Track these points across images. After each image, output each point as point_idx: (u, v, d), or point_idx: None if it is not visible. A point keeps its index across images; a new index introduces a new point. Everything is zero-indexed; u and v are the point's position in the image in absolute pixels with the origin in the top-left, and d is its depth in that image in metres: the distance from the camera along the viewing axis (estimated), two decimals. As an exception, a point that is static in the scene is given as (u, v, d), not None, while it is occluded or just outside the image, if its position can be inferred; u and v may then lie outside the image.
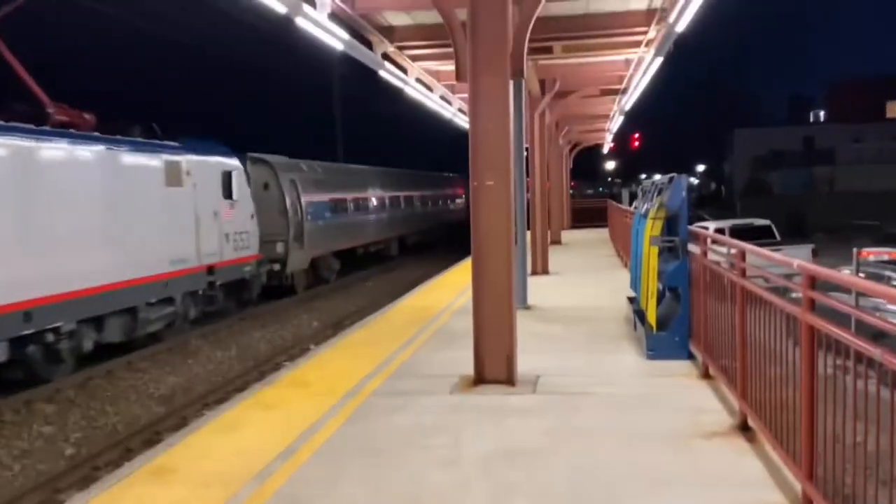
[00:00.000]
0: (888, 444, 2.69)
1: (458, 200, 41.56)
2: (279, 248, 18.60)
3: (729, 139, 56.17)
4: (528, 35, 6.14)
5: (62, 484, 7.75)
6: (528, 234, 13.35)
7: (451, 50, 6.62)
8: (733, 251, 5.12)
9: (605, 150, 36.04)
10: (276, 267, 18.62)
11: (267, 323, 16.45)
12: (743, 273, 4.78)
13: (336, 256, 22.65)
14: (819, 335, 3.35)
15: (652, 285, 7.06)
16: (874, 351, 2.73)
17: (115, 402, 10.68)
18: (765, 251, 4.54)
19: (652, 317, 7.06)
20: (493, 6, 5.89)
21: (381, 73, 9.77)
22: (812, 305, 3.43)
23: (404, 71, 11.05)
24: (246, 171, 16.79)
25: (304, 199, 19.84)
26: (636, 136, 39.55)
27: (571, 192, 41.85)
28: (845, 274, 3.31)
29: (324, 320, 17.16)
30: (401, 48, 9.96)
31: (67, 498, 6.46)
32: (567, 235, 24.75)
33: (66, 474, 8.00)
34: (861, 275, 11.20)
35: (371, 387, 6.38)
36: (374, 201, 26.77)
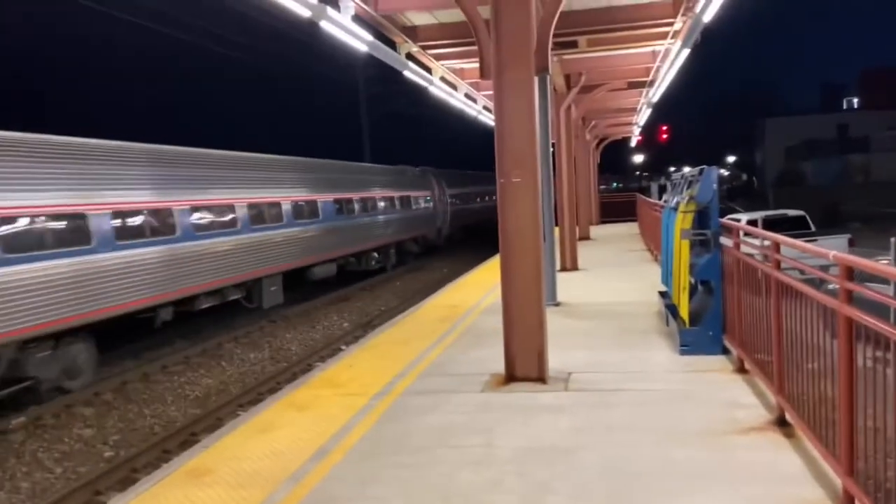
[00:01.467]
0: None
1: (417, 206, 28.00)
2: None
3: (760, 129, 55.19)
4: (552, 30, 6.09)
5: (102, 486, 7.92)
6: (557, 230, 13.28)
7: (474, 48, 6.60)
8: (767, 243, 5.02)
9: (633, 143, 35.64)
10: None
11: (297, 324, 16.61)
12: (777, 265, 4.69)
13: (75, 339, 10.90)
14: (857, 327, 3.27)
15: (684, 279, 6.97)
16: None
17: (152, 404, 10.89)
18: (799, 242, 4.45)
19: (684, 311, 6.97)
20: (516, 2, 5.86)
21: (406, 73, 9.80)
22: (849, 297, 3.35)
23: (428, 70, 11.06)
24: None
25: None
26: (664, 128, 39.08)
27: (616, 185, 41.19)
28: (883, 264, 3.22)
29: (353, 320, 17.28)
30: (424, 48, 9.97)
31: (108, 499, 6.61)
32: (596, 230, 24.55)
33: (105, 476, 8.17)
34: (900, 264, 10.92)
35: (402, 386, 6.40)
36: (186, 217, 13.48)
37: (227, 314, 16.25)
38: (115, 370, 12.30)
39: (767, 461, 4.22)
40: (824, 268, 4.05)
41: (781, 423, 4.72)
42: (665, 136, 39.65)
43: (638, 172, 75.45)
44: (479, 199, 38.46)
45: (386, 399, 6.00)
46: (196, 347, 13.84)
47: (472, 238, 33.93)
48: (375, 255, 23.75)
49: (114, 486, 7.91)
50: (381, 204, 24.16)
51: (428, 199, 29.89)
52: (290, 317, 17.32)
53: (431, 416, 5.47)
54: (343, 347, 13.13)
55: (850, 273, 3.37)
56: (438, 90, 11.59)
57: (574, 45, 10.29)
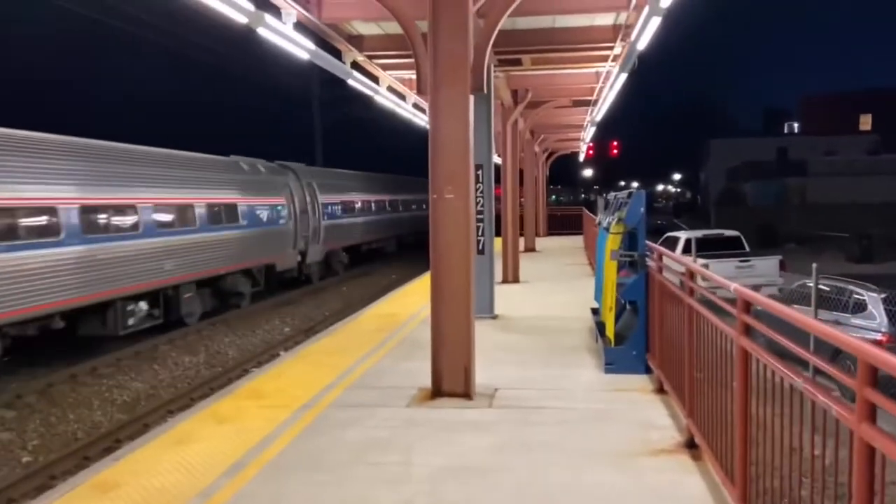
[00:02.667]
0: (820, 470, 2.73)
1: (253, 221, 18.02)
2: None
3: (705, 149, 56.91)
4: (488, 50, 6.15)
5: (16, 493, 7.63)
6: (499, 241, 13.40)
7: (419, 61, 6.62)
8: (682, 269, 5.18)
9: (581, 158, 36.26)
10: None
11: (237, 328, 16.31)
12: (691, 291, 4.85)
13: None
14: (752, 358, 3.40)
15: (611, 299, 7.13)
16: (796, 380, 2.79)
17: (77, 408, 10.54)
18: (708, 272, 4.60)
19: (610, 330, 7.13)
20: (453, 20, 5.91)
21: (350, 82, 9.76)
22: (746, 329, 3.48)
23: (376, 80, 11.05)
24: None
25: None
26: (615, 143, 39.89)
27: (555, 198, 40.44)
28: (775, 302, 3.34)
29: (295, 325, 17.07)
30: (370, 57, 9.96)
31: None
32: (543, 243, 24.86)
33: (21, 482, 7.87)
34: (824, 287, 11.41)
35: (329, 398, 6.36)
36: None
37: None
38: (40, 371, 11.87)
39: (673, 484, 4.34)
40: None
41: (691, 446, 4.86)
42: (616, 151, 40.49)
43: (591, 186, 76.90)
44: (383, 210, 30.15)
45: (310, 412, 5.95)
46: (129, 349, 13.46)
47: (366, 262, 28.04)
48: (141, 305, 13.68)
49: (30, 493, 7.62)
50: (158, 217, 14.06)
51: (280, 210, 19.60)
52: (230, 320, 17.00)
53: (353, 431, 5.45)
54: (281, 353, 12.96)
55: (748, 307, 3.51)
56: (385, 100, 11.58)
57: (519, 62, 10.43)
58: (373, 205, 28.77)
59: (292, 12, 7.15)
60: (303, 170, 22.58)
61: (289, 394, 6.53)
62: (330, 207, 23.58)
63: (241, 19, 6.23)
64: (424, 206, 30.90)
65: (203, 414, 6.05)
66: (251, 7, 6.24)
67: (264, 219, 18.74)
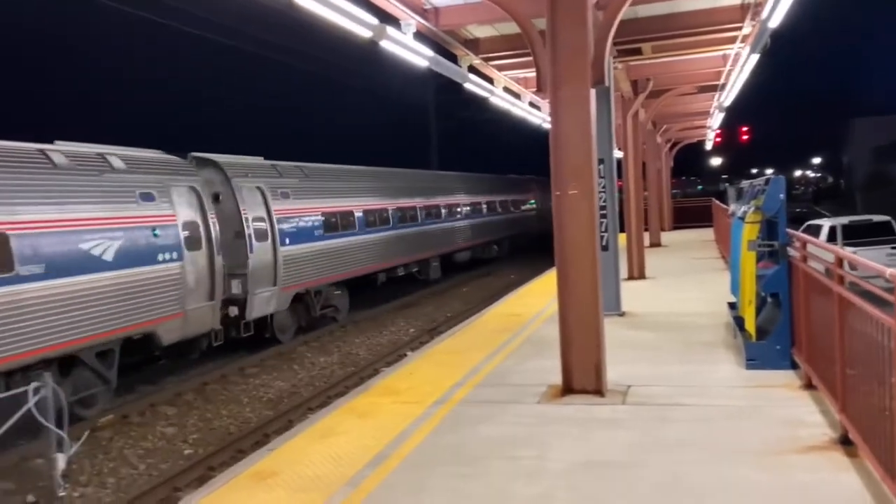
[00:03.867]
0: None
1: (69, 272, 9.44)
2: None
3: (847, 129, 52.60)
4: (609, 42, 6.06)
5: (181, 483, 8.37)
6: (623, 237, 13.10)
7: (535, 58, 6.65)
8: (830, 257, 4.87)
9: (709, 146, 34.56)
10: None
11: (366, 329, 16.99)
12: (840, 280, 4.55)
13: None
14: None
15: (750, 292, 6.79)
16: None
17: (229, 405, 11.41)
18: (856, 257, 4.30)
19: (751, 324, 6.80)
20: (572, 15, 5.89)
21: (467, 85, 9.93)
22: (907, 317, 3.24)
23: (491, 81, 11.15)
24: None
25: None
26: (745, 129, 37.76)
27: (675, 191, 38.49)
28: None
29: (419, 326, 17.52)
30: (486, 59, 10.08)
31: (185, 496, 7.00)
32: (668, 237, 23.98)
33: (184, 473, 8.61)
34: None
35: (459, 395, 6.51)
36: None
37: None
38: (194, 371, 12.94)
39: (825, 482, 4.10)
40: None
41: (845, 443, 4.56)
42: (746, 137, 38.30)
43: (719, 175, 73.15)
44: (412, 221, 21.52)
45: (443, 408, 6.12)
46: (271, 350, 14.40)
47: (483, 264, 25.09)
48: None
49: (191, 483, 8.33)
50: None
51: (158, 234, 11.30)
52: (358, 322, 17.74)
53: (487, 427, 5.56)
54: (407, 353, 13.36)
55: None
56: (500, 100, 11.66)
57: (639, 51, 10.17)
58: (390, 213, 20.00)
59: (412, 22, 7.40)
60: (239, 165, 13.92)
61: (420, 391, 6.75)
62: (298, 224, 15.19)
63: (366, 34, 6.54)
64: (486, 209, 28.12)
65: (342, 410, 6.39)
66: (375, 21, 6.54)
67: (108, 256, 10.35)
